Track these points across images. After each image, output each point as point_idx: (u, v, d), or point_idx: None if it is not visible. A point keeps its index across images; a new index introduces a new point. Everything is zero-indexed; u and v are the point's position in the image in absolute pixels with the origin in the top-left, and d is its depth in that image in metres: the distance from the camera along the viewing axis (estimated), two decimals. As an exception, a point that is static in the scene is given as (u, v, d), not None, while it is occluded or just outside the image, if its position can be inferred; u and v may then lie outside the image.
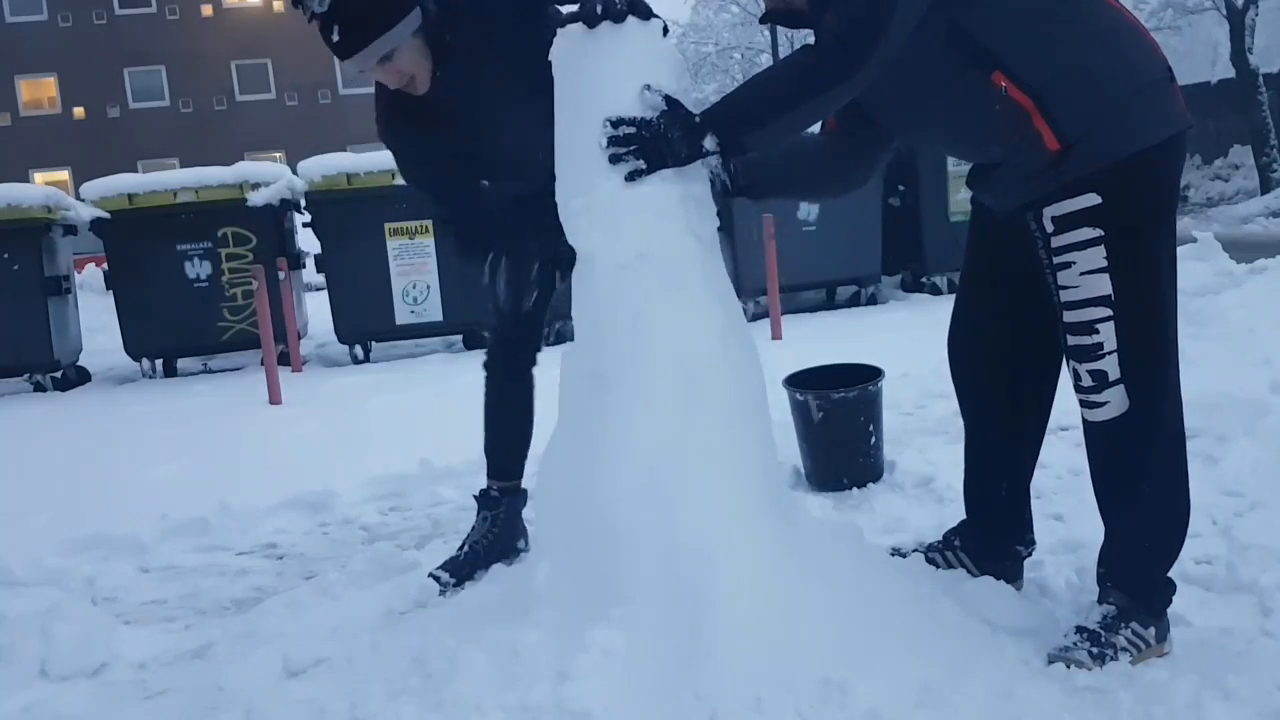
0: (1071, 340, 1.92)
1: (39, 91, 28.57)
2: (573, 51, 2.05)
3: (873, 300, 7.40)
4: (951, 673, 1.85)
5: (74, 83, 28.10)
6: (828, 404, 3.12)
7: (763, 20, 2.23)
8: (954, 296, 2.29)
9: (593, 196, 2.02)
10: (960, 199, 7.36)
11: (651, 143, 1.89)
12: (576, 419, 2.08)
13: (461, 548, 2.64)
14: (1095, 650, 1.90)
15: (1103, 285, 1.87)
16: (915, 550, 2.36)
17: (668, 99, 1.92)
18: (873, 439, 3.16)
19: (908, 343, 5.08)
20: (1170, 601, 1.99)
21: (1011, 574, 2.26)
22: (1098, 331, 1.88)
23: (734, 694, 1.76)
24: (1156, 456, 1.94)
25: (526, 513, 2.69)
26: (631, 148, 1.89)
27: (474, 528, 2.68)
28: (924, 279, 7.68)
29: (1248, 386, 3.46)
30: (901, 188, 7.48)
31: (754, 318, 6.31)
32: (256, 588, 2.80)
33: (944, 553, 2.33)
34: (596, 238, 2.04)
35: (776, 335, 6.17)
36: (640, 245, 2.00)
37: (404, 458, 3.70)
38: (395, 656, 2.10)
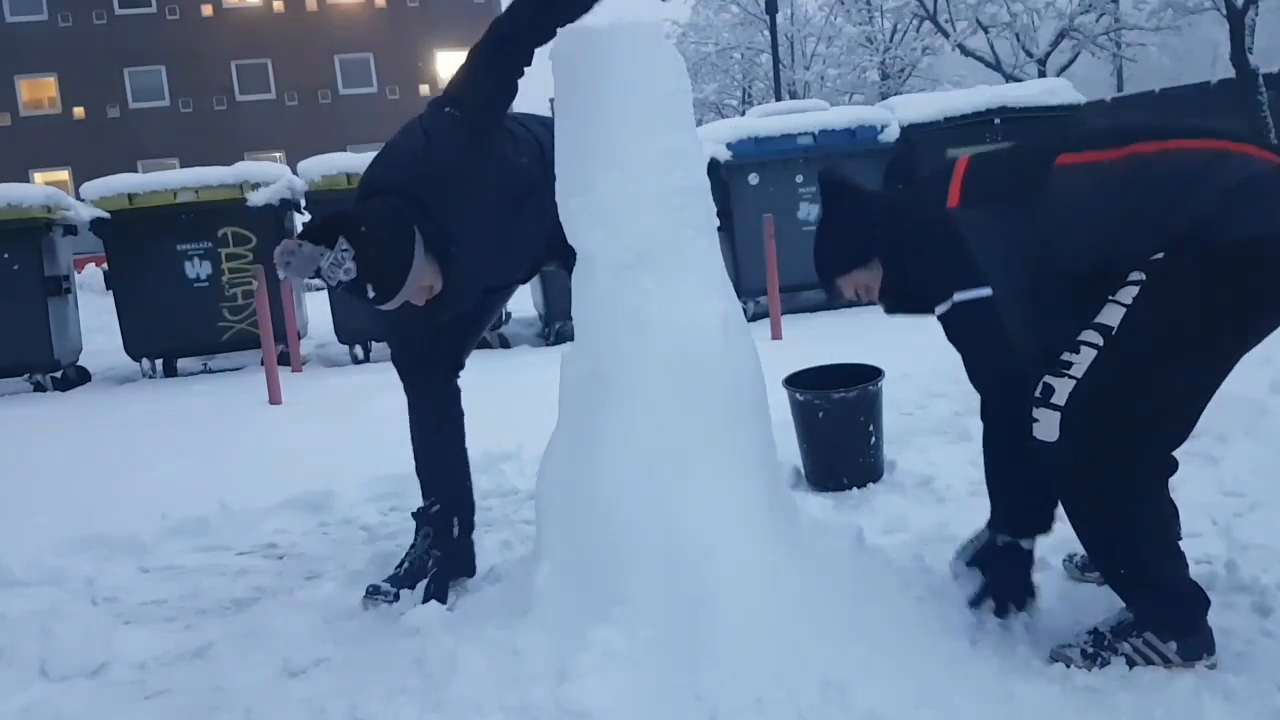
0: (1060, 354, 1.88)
1: (39, 91, 28.55)
2: (573, 52, 2.05)
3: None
4: (951, 673, 1.85)
5: (74, 83, 28.08)
6: (828, 404, 3.12)
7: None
8: None
9: (593, 196, 2.03)
10: (960, 199, 7.35)
11: (1009, 589, 2.10)
12: (576, 419, 2.09)
13: (401, 564, 2.60)
14: (1092, 650, 1.90)
15: (1114, 316, 1.82)
16: None
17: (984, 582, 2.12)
18: (873, 439, 3.16)
19: (908, 343, 5.06)
20: (1195, 620, 1.88)
21: None
22: (1078, 351, 1.83)
23: (734, 694, 1.77)
24: (1091, 500, 1.88)
25: (526, 514, 2.68)
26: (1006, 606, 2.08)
27: (414, 544, 2.63)
28: (924, 279, 7.67)
29: (1248, 386, 3.45)
30: (902, 188, 7.47)
31: (754, 318, 6.30)
32: (256, 588, 2.80)
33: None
34: (596, 237, 2.04)
35: (776, 335, 6.16)
36: (640, 245, 2.00)
37: (404, 458, 3.67)
38: (395, 656, 2.10)
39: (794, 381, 3.23)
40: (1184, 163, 1.81)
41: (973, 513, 2.77)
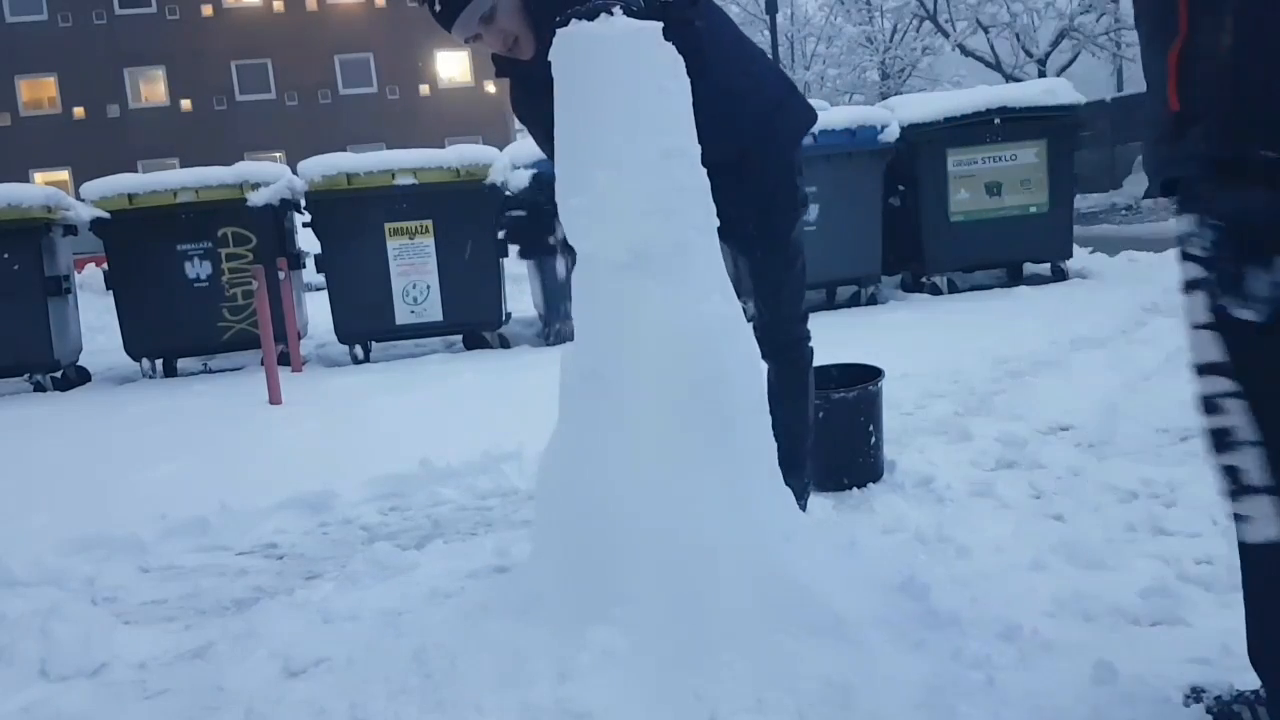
0: None
1: (39, 91, 28.58)
2: (572, 51, 2.05)
3: (873, 300, 7.40)
4: (952, 673, 1.85)
5: (74, 83, 28.11)
6: (828, 404, 3.12)
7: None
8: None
9: (593, 196, 2.03)
10: (960, 199, 7.36)
11: None
12: (576, 419, 2.08)
13: None
14: None
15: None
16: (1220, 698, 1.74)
17: None
18: (873, 439, 3.16)
19: (908, 343, 5.09)
20: None
21: None
22: None
23: (734, 694, 1.77)
24: None
25: (526, 514, 2.68)
26: None
27: None
28: (924, 279, 7.67)
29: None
30: (901, 188, 7.48)
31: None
32: (256, 588, 2.80)
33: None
34: (596, 237, 2.04)
35: (776, 335, 6.16)
36: (640, 245, 2.00)
37: (404, 458, 3.70)
38: (395, 656, 2.10)
39: (794, 381, 3.23)
40: None
41: (972, 513, 2.78)
